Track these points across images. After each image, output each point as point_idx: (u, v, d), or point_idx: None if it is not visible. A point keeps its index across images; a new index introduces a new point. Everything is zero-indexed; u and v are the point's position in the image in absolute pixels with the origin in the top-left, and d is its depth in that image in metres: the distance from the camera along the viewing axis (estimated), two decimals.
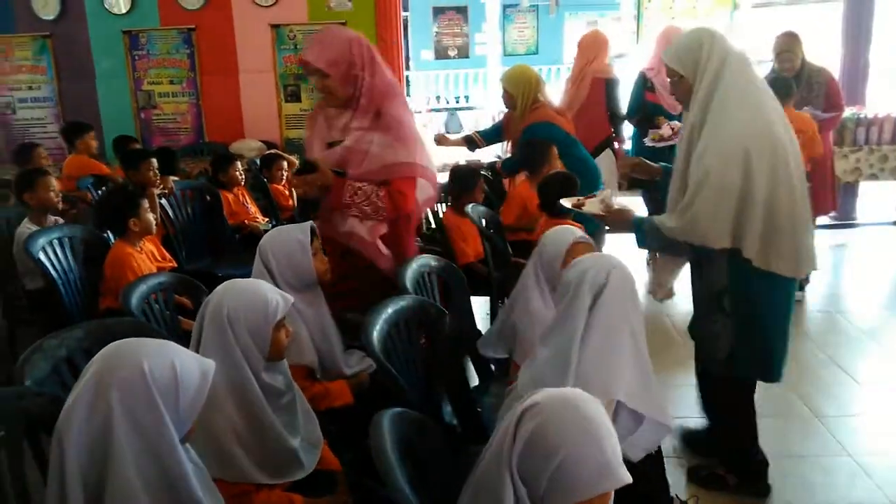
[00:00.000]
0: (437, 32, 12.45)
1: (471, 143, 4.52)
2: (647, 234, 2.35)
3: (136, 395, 1.15)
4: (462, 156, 4.92)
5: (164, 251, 3.35)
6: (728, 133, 2.15)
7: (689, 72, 2.24)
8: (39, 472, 1.52)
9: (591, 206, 2.57)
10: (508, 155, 4.32)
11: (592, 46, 4.87)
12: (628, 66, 6.41)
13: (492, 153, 5.21)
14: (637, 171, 2.76)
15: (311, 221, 2.14)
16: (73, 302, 3.04)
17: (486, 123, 10.16)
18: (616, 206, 2.51)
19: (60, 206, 3.50)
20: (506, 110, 4.24)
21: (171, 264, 3.29)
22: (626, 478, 1.05)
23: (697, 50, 2.21)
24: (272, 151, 5.05)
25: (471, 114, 12.11)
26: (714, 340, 2.33)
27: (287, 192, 4.62)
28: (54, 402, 1.60)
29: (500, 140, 4.58)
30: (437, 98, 12.35)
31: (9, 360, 3.44)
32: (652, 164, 2.73)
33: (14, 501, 1.51)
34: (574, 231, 2.24)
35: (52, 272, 2.97)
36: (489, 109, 10.28)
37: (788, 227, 2.16)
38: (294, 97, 5.88)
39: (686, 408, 3.03)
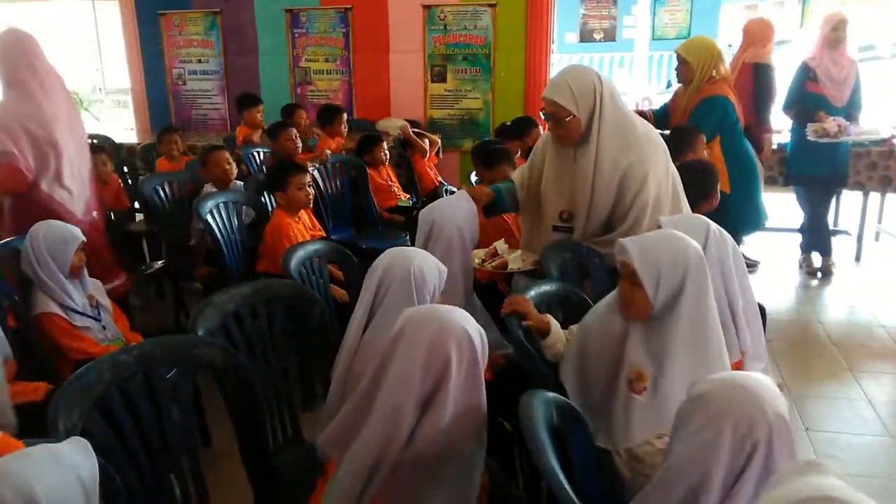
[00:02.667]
0: (583, 14, 12.16)
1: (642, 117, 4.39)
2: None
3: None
4: None
5: (315, 221, 3.53)
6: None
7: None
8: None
9: (515, 262, 2.57)
10: None
11: (756, 33, 4.57)
12: (791, 54, 5.97)
13: None
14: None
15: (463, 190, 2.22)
16: (234, 261, 3.28)
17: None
18: (531, 255, 2.59)
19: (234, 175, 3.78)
20: (654, 98, 4.07)
21: (320, 233, 3.46)
22: None
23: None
24: (416, 130, 5.18)
25: None
26: None
27: (433, 172, 4.72)
28: (222, 352, 1.75)
29: (665, 126, 4.41)
30: None
31: (175, 309, 3.78)
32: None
33: (182, 430, 1.68)
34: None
35: (217, 233, 3.22)
36: (633, 95, 9.95)
37: None
38: (440, 77, 5.97)
39: (837, 421, 2.85)
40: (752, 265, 4.60)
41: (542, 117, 2.46)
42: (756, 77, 4.45)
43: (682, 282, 1.63)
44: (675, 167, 2.55)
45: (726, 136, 3.69)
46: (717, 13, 12.68)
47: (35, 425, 1.87)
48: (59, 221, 2.59)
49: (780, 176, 4.74)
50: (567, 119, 2.34)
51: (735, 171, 3.84)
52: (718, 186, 2.84)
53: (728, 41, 4.81)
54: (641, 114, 4.21)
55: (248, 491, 1.70)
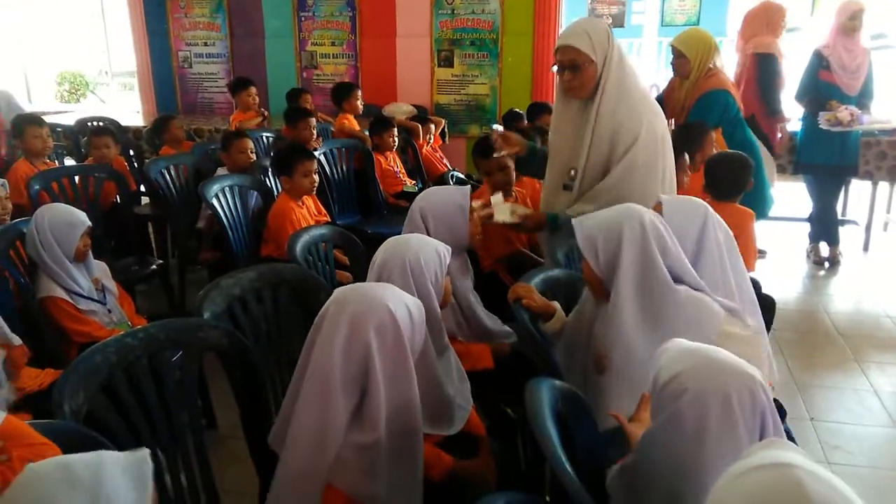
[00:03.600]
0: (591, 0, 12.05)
1: None
2: (563, 227, 2.39)
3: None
4: None
5: (321, 206, 3.52)
6: None
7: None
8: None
9: (502, 214, 2.54)
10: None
11: (757, 20, 4.49)
12: (801, 41, 5.91)
13: None
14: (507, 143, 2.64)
15: (468, 185, 2.17)
16: (240, 246, 3.28)
17: None
18: (522, 210, 2.59)
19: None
20: (662, 85, 4.03)
21: (325, 218, 3.46)
22: None
23: None
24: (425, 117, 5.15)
25: None
26: None
27: (438, 156, 4.70)
28: (227, 335, 1.75)
29: None
30: None
31: (178, 292, 3.79)
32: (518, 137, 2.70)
33: (186, 413, 1.68)
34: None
35: (223, 217, 3.21)
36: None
37: None
38: (447, 62, 5.94)
39: (839, 411, 2.85)
40: (759, 254, 4.59)
41: (556, 71, 2.40)
42: (760, 67, 4.37)
43: (616, 253, 1.66)
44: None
45: (728, 127, 3.65)
46: (727, 0, 12.58)
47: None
48: (64, 205, 2.59)
49: (789, 165, 4.71)
50: (586, 65, 2.32)
51: None
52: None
53: (738, 28, 4.72)
54: None
55: (253, 472, 1.70)
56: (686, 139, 3.22)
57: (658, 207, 2.00)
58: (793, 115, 4.71)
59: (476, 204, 2.33)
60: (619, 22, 12.17)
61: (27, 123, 3.70)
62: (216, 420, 2.65)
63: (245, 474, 1.79)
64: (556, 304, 1.96)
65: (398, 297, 1.38)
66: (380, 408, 1.32)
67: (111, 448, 1.37)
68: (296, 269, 2.18)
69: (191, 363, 1.71)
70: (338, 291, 1.41)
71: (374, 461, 1.33)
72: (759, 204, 3.71)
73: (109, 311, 2.53)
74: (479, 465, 1.71)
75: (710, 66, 3.68)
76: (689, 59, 3.68)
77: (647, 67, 10.21)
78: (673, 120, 4.03)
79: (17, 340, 2.10)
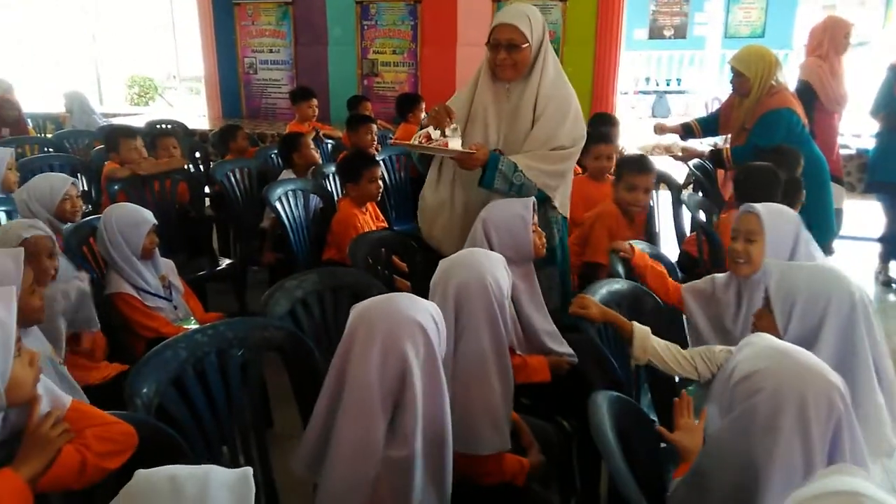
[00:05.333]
0: (653, 10, 11.91)
1: (688, 131, 4.27)
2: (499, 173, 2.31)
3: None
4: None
5: (379, 212, 3.57)
6: None
7: None
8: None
9: (455, 143, 2.28)
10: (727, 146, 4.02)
11: (819, 35, 4.31)
12: (872, 54, 5.72)
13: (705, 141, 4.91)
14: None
15: (532, 198, 2.17)
16: (300, 248, 3.35)
17: (697, 108, 9.63)
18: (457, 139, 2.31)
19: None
20: (720, 98, 3.94)
21: (384, 224, 3.50)
22: None
23: None
24: None
25: (681, 98, 11.52)
26: None
27: None
28: (291, 336, 1.79)
29: (714, 133, 4.29)
30: (647, 80, 11.89)
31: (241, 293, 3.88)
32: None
33: (250, 409, 1.73)
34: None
35: (285, 220, 3.29)
36: (702, 94, 9.71)
37: None
38: None
39: None
40: None
41: (488, 49, 2.40)
42: (798, 95, 3.96)
43: (817, 326, 1.47)
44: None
45: (794, 146, 3.54)
46: (794, 12, 12.26)
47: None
48: (131, 204, 2.67)
49: (858, 183, 4.55)
50: (522, 46, 2.34)
51: (809, 180, 3.69)
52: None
53: (805, 41, 4.59)
54: (688, 129, 4.15)
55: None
56: (778, 162, 3.00)
57: (752, 218, 1.99)
58: (861, 131, 4.56)
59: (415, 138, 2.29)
60: (680, 33, 12.02)
61: (122, 137, 3.74)
62: (272, 418, 2.70)
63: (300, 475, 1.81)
64: (637, 325, 1.87)
65: (423, 308, 1.37)
66: (416, 421, 1.31)
67: (179, 441, 1.43)
68: (356, 273, 2.22)
69: (255, 361, 1.76)
70: (360, 308, 1.38)
71: (408, 476, 1.32)
72: (822, 230, 3.56)
73: (175, 307, 2.61)
74: (537, 454, 1.73)
75: (773, 83, 3.59)
76: (748, 78, 3.59)
77: (709, 81, 10.04)
78: (729, 137, 3.97)
79: (96, 326, 2.19)
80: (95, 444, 1.32)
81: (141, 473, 0.93)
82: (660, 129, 4.32)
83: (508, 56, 2.36)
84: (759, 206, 2.01)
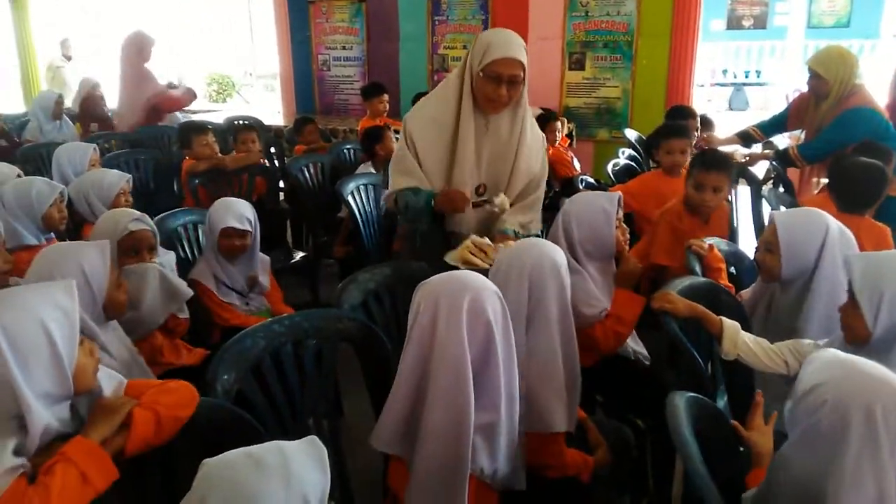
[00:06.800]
0: (732, 1, 11.54)
1: (747, 139, 4.09)
2: None
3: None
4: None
5: None
6: None
7: None
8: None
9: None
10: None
11: None
12: None
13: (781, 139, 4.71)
14: None
15: (618, 193, 2.14)
16: (370, 241, 3.41)
17: (777, 101, 9.26)
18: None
19: None
20: (802, 90, 3.77)
21: None
22: None
23: None
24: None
25: (760, 90, 11.13)
26: None
27: (568, 158, 4.64)
28: (362, 328, 1.82)
29: (781, 131, 4.11)
30: (724, 72, 11.52)
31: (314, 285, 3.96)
32: None
33: (324, 398, 1.78)
34: None
35: (357, 213, 3.35)
36: (782, 86, 9.33)
37: None
38: (578, 65, 5.87)
39: None
40: None
41: (490, 84, 2.18)
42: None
43: None
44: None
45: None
46: (882, 1, 11.62)
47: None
48: (232, 199, 2.68)
49: None
50: (522, 80, 2.23)
51: None
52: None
53: (894, 31, 4.35)
54: (746, 136, 4.06)
55: (374, 457, 1.73)
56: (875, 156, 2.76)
57: (771, 227, 1.94)
58: None
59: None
60: (760, 24, 11.58)
61: (194, 133, 3.84)
62: (342, 407, 2.75)
63: (369, 459, 1.83)
64: (726, 320, 1.82)
65: (487, 280, 1.43)
66: (500, 386, 1.37)
67: (258, 427, 1.47)
68: (427, 267, 2.23)
69: (329, 352, 1.80)
70: (432, 284, 1.42)
71: (495, 441, 1.38)
72: None
73: (247, 303, 2.62)
74: (605, 452, 1.73)
75: (853, 84, 3.43)
76: (827, 81, 3.45)
77: (790, 73, 9.64)
78: (804, 133, 3.82)
79: (185, 313, 2.24)
80: (161, 397, 1.37)
81: (210, 461, 0.94)
82: (710, 141, 4.16)
83: (509, 92, 2.20)
84: (779, 216, 1.95)
